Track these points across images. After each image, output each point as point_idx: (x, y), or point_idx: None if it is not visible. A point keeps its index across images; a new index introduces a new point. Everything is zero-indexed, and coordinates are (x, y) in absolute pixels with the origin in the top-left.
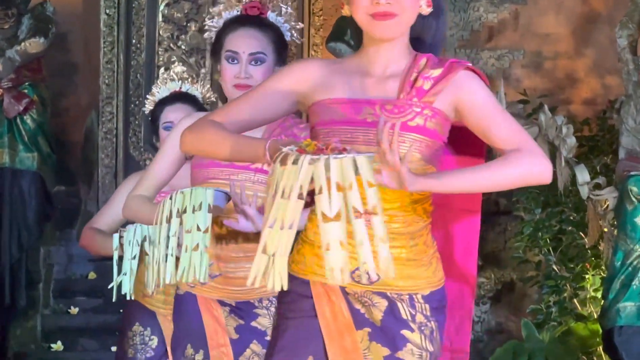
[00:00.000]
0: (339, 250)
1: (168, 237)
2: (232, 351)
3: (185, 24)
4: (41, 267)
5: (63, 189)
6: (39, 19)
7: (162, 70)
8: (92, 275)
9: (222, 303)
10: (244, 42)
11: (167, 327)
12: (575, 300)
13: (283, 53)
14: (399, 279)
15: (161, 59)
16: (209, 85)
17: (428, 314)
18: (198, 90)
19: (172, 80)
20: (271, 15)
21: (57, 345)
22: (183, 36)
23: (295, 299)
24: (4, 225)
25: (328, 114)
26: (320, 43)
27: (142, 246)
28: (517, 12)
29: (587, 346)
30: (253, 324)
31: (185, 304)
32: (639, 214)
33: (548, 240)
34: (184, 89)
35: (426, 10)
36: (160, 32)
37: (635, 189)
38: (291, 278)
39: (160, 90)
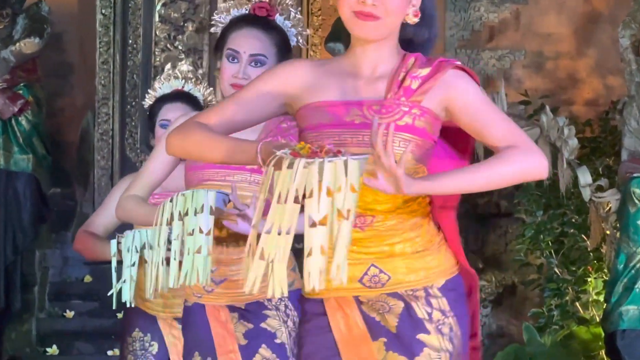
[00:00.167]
0: (319, 256)
1: (168, 240)
2: (240, 357)
3: (182, 24)
4: (36, 269)
5: (58, 191)
6: (34, 18)
7: (168, 66)
8: (87, 278)
9: (232, 308)
10: (247, 42)
11: (168, 333)
12: (577, 304)
13: (286, 57)
14: (410, 273)
15: (158, 59)
16: (212, 88)
17: (446, 308)
18: (200, 91)
19: (176, 78)
20: (279, 19)
21: (53, 349)
22: (180, 36)
23: (310, 318)
24: None
25: (316, 117)
26: (319, 43)
27: (141, 252)
28: (518, 11)
29: (590, 350)
30: (262, 325)
31: (193, 315)
32: None
33: (550, 242)
34: (186, 89)
35: (412, 19)
36: (157, 33)
37: (638, 190)
38: (305, 300)
39: (163, 87)
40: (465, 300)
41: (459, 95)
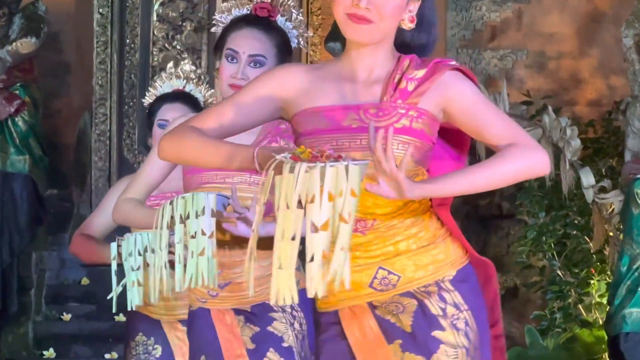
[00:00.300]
0: (321, 261)
1: (170, 244)
2: None
3: (180, 23)
4: (33, 272)
5: (55, 193)
6: (30, 18)
7: (170, 64)
8: (85, 280)
9: (237, 312)
10: (246, 42)
11: (173, 335)
12: (580, 306)
13: (286, 59)
14: (419, 270)
15: (156, 59)
16: (213, 90)
17: (460, 302)
18: (201, 92)
19: (178, 77)
20: (280, 20)
21: (49, 353)
22: (178, 36)
23: (325, 329)
24: None
25: (312, 123)
26: (319, 43)
27: (144, 256)
28: (520, 11)
29: (593, 353)
30: (269, 329)
31: (197, 319)
32: None
33: (552, 244)
34: (187, 89)
35: (408, 25)
36: (155, 32)
37: None
38: (320, 314)
39: (164, 86)
40: (479, 290)
41: (456, 96)
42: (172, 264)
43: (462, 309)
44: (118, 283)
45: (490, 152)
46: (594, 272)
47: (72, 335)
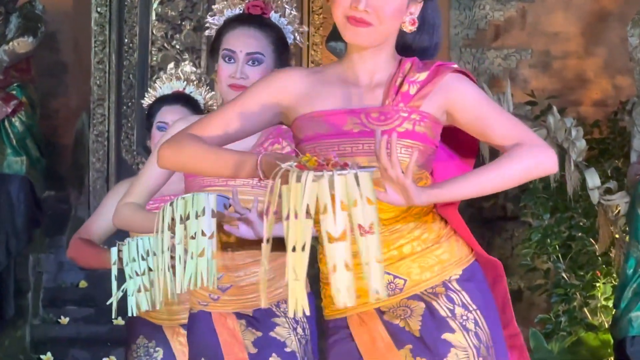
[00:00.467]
0: (345, 271)
1: (170, 247)
2: None
3: (179, 22)
4: (30, 275)
5: (53, 194)
6: (27, 17)
7: (171, 65)
8: (83, 283)
9: (239, 316)
10: (242, 41)
11: (175, 340)
12: (585, 310)
13: (283, 55)
14: (425, 272)
15: (155, 59)
16: (213, 92)
17: (467, 302)
18: (202, 94)
19: (178, 79)
20: (274, 16)
21: (47, 356)
22: (177, 35)
23: (333, 332)
24: None
25: (312, 128)
26: (320, 42)
27: (146, 260)
28: (524, 10)
29: (598, 357)
30: (271, 334)
31: (198, 322)
32: None
33: (557, 247)
34: (187, 91)
35: (409, 28)
36: (154, 31)
37: None
38: (328, 321)
39: (163, 87)
40: (486, 288)
41: (458, 97)
42: (174, 267)
43: (470, 309)
44: (118, 288)
45: (493, 152)
46: (599, 274)
47: (70, 338)
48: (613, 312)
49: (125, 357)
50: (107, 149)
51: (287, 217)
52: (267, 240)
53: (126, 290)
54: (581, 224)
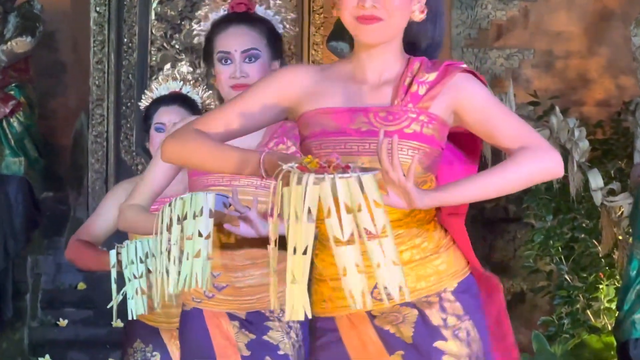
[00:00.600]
0: (356, 274)
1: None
2: None
3: (179, 22)
4: (28, 276)
5: (51, 195)
6: (25, 17)
7: (167, 66)
8: (81, 285)
9: (232, 317)
10: (235, 40)
11: (172, 345)
12: (588, 312)
13: (277, 46)
14: (421, 280)
15: (154, 58)
16: (210, 91)
17: (460, 312)
18: (199, 94)
19: (175, 79)
20: (259, 10)
21: (45, 359)
22: (177, 35)
23: (322, 334)
24: None
25: (319, 124)
26: (321, 42)
27: (145, 262)
28: (527, 9)
29: (601, 359)
30: (265, 337)
31: (191, 321)
32: None
33: (560, 248)
34: (184, 91)
35: (419, 17)
36: (153, 31)
37: None
38: (316, 320)
39: (160, 88)
40: (479, 302)
41: (467, 98)
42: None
43: (463, 319)
44: (118, 291)
45: (496, 154)
46: (602, 276)
47: (69, 341)
48: (616, 314)
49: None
50: (106, 149)
51: (288, 219)
52: (275, 242)
53: (126, 294)
54: (584, 225)
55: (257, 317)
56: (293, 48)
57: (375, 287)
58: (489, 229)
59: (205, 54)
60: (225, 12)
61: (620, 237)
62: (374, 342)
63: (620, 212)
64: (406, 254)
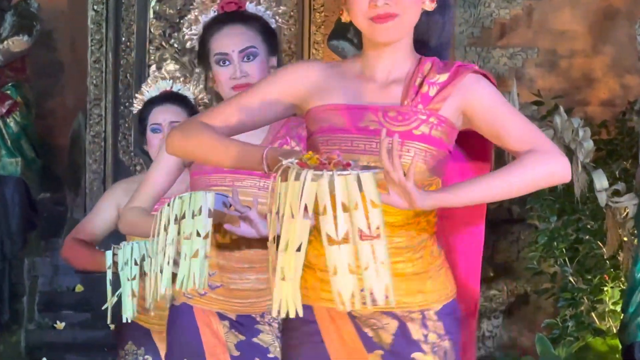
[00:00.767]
0: (347, 274)
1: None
2: None
3: (177, 20)
4: (25, 278)
5: (48, 196)
6: (22, 15)
7: (153, 68)
8: (79, 287)
9: (222, 317)
10: (231, 40)
11: (164, 347)
12: (593, 314)
13: (273, 42)
14: (408, 295)
15: (152, 57)
16: (202, 86)
17: (442, 332)
18: (190, 90)
19: (163, 79)
20: (250, 7)
21: None
22: (175, 34)
23: (298, 325)
24: None
25: (327, 121)
26: (322, 41)
27: (140, 264)
28: (530, 8)
29: None
30: (255, 340)
31: (180, 317)
32: None
33: (564, 250)
34: (174, 89)
35: (430, 5)
36: (152, 30)
37: None
38: None
39: (150, 90)
40: (459, 324)
41: (476, 98)
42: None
43: (444, 338)
44: (114, 293)
45: (498, 153)
46: (607, 278)
47: (66, 344)
48: (621, 317)
49: None
50: (103, 149)
51: (283, 215)
52: (274, 239)
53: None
54: (588, 226)
55: (247, 319)
56: (293, 47)
57: (361, 289)
58: (492, 230)
59: (200, 58)
60: (215, 13)
61: (625, 239)
62: (353, 339)
63: (625, 213)
64: (400, 266)
